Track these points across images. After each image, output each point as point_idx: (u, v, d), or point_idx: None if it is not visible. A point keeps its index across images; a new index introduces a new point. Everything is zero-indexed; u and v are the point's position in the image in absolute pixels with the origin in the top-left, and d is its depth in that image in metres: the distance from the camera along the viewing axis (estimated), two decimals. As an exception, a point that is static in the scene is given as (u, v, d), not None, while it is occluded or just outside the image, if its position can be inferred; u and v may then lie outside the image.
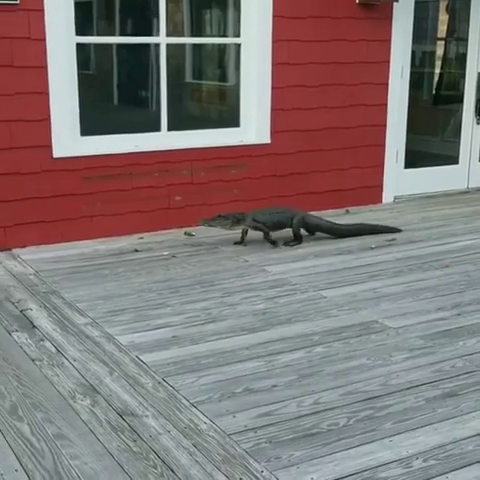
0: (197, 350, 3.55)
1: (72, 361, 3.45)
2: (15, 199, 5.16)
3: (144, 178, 5.52)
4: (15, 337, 3.72)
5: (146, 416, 2.96)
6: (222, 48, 6.22)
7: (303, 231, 5.48)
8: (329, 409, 2.99)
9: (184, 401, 3.07)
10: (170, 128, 5.65)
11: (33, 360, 3.46)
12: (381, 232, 5.65)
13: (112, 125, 5.59)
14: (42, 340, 3.69)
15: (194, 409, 3.00)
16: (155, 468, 2.61)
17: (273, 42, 5.78)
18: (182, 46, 5.91)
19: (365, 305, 4.17)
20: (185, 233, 5.59)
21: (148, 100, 5.93)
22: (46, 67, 5.01)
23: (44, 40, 4.96)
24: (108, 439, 2.79)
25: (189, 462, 2.64)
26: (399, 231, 5.70)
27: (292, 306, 4.16)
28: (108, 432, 2.84)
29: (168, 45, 5.55)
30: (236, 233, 5.42)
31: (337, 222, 5.62)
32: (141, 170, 5.49)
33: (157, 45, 5.58)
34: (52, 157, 5.20)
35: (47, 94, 5.06)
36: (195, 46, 6.07)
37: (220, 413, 2.96)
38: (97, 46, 5.63)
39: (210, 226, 5.31)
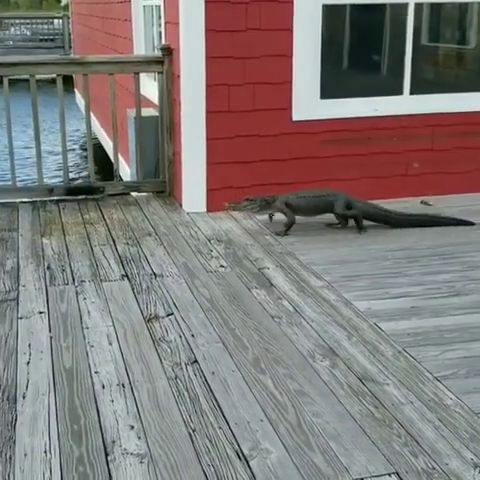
0: (440, 323, 3.40)
1: (310, 322, 3.48)
2: (253, 161, 5.30)
3: (382, 143, 5.38)
4: (255, 294, 3.83)
5: (387, 384, 2.89)
6: (463, 8, 5.82)
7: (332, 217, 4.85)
8: None
9: (427, 374, 2.95)
10: (412, 92, 5.44)
11: (272, 317, 3.53)
12: (447, 225, 4.81)
13: (351, 88, 5.51)
14: (280, 299, 3.76)
15: (438, 383, 2.88)
16: (399, 437, 2.54)
17: None
18: (419, 6, 5.59)
19: None
20: (422, 202, 5.37)
21: (387, 63, 5.74)
22: (292, 30, 5.04)
23: (292, 2, 4.99)
24: (349, 402, 2.77)
25: (434, 436, 2.54)
26: (472, 224, 4.79)
27: None
28: (349, 395, 2.82)
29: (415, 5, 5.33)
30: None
31: (391, 210, 4.85)
32: (379, 135, 5.36)
33: (403, 5, 5.36)
34: (291, 120, 5.25)
35: (291, 57, 5.10)
36: (433, 6, 5.72)
37: (467, 390, 2.82)
38: (333, 8, 5.46)
39: (236, 210, 4.97)
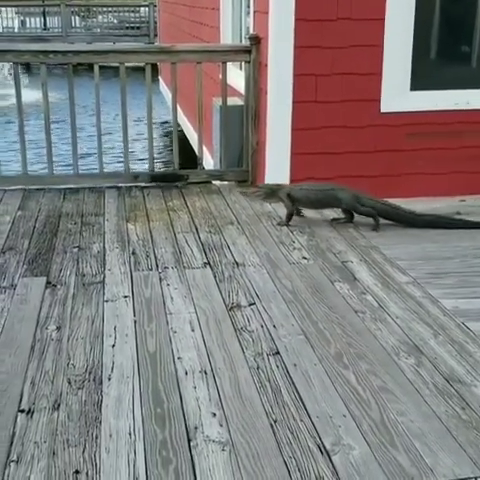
0: None
1: (394, 318, 3.40)
2: (338, 152, 5.23)
3: (474, 137, 5.21)
4: (338, 287, 3.78)
5: (475, 386, 2.81)
6: None
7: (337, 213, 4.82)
8: None
9: (518, 378, 2.85)
10: (507, 84, 5.25)
11: (356, 312, 3.48)
12: (465, 228, 4.61)
13: (442, 80, 5.34)
14: (364, 293, 3.70)
15: None
16: (487, 441, 2.46)
17: None
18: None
19: None
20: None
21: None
22: (383, 19, 4.93)
23: (385, -10, 4.89)
24: (435, 402, 2.70)
25: (525, 443, 2.45)
26: None
27: None
28: (434, 395, 2.75)
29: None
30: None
31: (405, 208, 4.65)
32: (471, 128, 5.20)
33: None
34: (379, 111, 5.15)
35: (381, 47, 5.00)
36: None
37: None
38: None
39: (245, 196, 5.06)
